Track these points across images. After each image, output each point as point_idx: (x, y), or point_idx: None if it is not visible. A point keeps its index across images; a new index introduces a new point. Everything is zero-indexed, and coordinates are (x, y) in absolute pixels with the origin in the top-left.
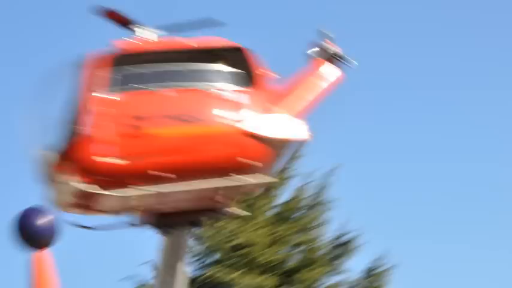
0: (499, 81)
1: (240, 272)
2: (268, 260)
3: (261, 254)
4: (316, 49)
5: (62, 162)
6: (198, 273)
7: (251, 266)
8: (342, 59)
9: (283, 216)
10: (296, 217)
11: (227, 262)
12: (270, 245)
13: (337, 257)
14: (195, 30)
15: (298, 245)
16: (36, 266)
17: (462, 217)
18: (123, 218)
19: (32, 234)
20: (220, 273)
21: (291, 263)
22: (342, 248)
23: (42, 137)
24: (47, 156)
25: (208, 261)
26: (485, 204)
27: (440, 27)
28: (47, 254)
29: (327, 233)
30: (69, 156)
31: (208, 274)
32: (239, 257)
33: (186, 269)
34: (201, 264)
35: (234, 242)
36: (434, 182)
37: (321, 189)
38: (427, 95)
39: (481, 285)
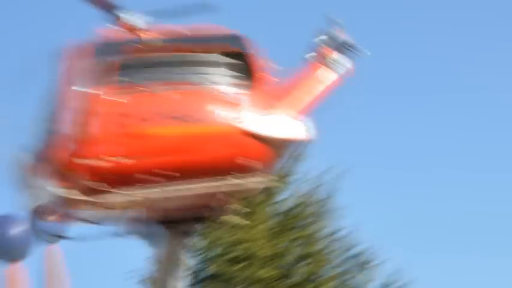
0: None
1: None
2: (269, 274)
3: (261, 267)
4: (324, 37)
5: (38, 164)
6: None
7: (250, 281)
8: (352, 48)
9: (287, 225)
10: (301, 226)
11: (224, 277)
12: (272, 258)
13: (347, 271)
14: (189, 16)
15: (303, 257)
16: (9, 282)
17: (488, 226)
18: (107, 226)
19: (4, 245)
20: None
21: (295, 277)
22: (352, 261)
23: (17, 137)
24: (22, 158)
25: (203, 275)
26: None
27: (455, 28)
28: (21, 267)
29: (335, 244)
30: (46, 157)
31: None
32: (237, 271)
33: (179, 285)
34: (195, 279)
35: (232, 255)
36: (455, 188)
37: (329, 195)
38: (443, 96)
39: None
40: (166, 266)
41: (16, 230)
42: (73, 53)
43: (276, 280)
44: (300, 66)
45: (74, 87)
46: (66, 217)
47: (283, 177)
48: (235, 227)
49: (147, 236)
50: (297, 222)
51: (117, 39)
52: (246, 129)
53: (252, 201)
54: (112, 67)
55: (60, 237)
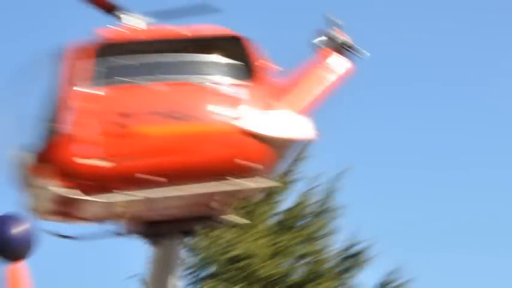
0: None
1: (238, 286)
2: (269, 273)
3: (261, 266)
4: (323, 38)
5: (39, 164)
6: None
7: (250, 280)
8: (352, 49)
9: (286, 224)
10: (301, 225)
11: (224, 276)
12: (272, 257)
13: (347, 270)
14: (188, 17)
15: (303, 256)
16: (10, 281)
17: (488, 226)
18: (108, 226)
19: (5, 244)
20: None
21: (295, 276)
22: (351, 260)
23: (18, 136)
24: (23, 158)
25: (203, 274)
26: None
27: (455, 28)
28: (22, 267)
29: (335, 244)
30: (48, 157)
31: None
32: (237, 270)
33: (178, 284)
34: (194, 278)
35: (232, 254)
36: (455, 188)
37: (329, 194)
38: (453, 88)
39: None
40: (166, 266)
41: (17, 230)
42: (73, 53)
43: (275, 279)
44: (300, 66)
45: (74, 87)
46: (66, 217)
47: (283, 177)
48: (235, 226)
49: (147, 236)
50: (296, 221)
51: (117, 39)
52: (245, 129)
53: (251, 201)
54: (112, 67)
55: (60, 237)
